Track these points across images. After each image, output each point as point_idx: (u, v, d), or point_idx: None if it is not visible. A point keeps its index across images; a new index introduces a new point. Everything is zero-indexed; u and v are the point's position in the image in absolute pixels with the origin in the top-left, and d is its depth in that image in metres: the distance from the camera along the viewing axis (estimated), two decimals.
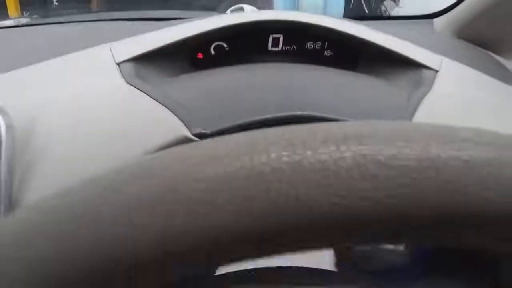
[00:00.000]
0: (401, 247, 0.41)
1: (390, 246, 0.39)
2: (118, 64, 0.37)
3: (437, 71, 0.41)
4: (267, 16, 0.43)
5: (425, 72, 0.41)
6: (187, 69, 0.42)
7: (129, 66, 0.36)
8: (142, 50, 0.38)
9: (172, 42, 0.39)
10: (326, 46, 0.45)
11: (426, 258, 0.39)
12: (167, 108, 0.33)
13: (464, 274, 0.36)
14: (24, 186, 0.31)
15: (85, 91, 0.35)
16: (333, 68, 0.42)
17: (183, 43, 0.41)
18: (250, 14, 0.45)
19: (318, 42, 0.44)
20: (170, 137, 0.32)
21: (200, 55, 0.45)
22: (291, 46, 0.45)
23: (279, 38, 0.45)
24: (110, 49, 0.38)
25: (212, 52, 0.45)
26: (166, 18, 0.61)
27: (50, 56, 0.40)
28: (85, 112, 0.33)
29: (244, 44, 0.44)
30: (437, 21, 0.60)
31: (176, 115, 0.32)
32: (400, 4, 3.40)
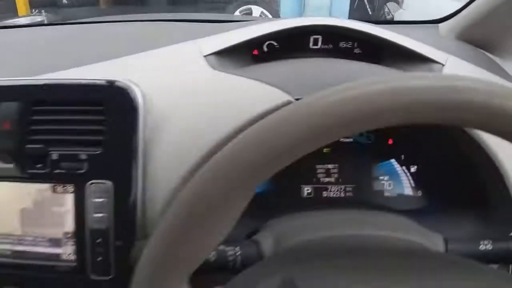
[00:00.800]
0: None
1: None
2: (205, 56, 0.48)
3: (443, 65, 0.53)
4: (310, 22, 0.54)
5: (433, 65, 0.53)
6: (248, 62, 0.54)
7: (213, 58, 0.48)
8: (221, 46, 0.49)
9: (242, 41, 0.50)
10: (355, 45, 0.56)
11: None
12: (263, 82, 0.44)
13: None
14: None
15: (184, 76, 0.46)
16: (362, 62, 0.54)
17: (248, 42, 0.52)
18: (295, 19, 0.56)
19: (350, 42, 0.56)
20: (275, 103, 0.42)
21: (255, 52, 0.56)
22: (327, 45, 0.56)
23: (318, 38, 0.56)
24: (197, 44, 0.50)
25: (265, 49, 0.56)
26: (210, 20, 0.73)
27: (133, 51, 0.52)
28: (189, 93, 0.44)
29: (290, 43, 0.56)
30: (442, 26, 0.71)
31: (273, 86, 0.43)
32: (404, 6, 3.52)
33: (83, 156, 0.41)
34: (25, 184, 0.42)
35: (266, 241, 0.40)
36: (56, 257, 0.42)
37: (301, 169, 0.52)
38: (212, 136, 0.41)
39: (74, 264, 0.41)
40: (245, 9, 3.80)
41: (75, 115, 0.41)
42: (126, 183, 0.40)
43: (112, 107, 0.41)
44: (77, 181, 0.41)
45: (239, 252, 0.38)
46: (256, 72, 0.47)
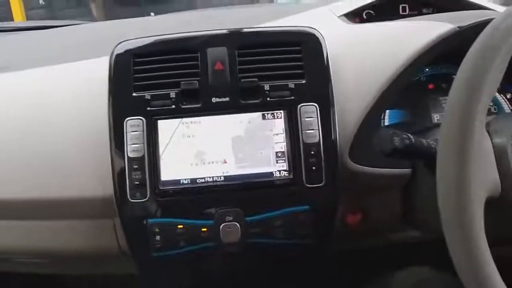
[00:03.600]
0: None
1: None
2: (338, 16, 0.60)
3: None
4: None
5: None
6: None
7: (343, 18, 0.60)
8: (349, 9, 0.61)
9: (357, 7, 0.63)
10: (435, 11, 0.70)
11: None
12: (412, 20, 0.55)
13: None
14: None
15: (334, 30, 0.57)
16: None
17: (355, 11, 0.65)
18: None
19: (430, 8, 0.70)
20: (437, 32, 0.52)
21: (358, 19, 0.69)
22: (413, 11, 0.70)
23: (405, 6, 0.70)
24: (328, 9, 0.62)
25: (364, 16, 0.69)
26: None
27: None
28: (349, 41, 0.55)
29: (384, 11, 0.69)
30: None
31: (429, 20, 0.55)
32: None
33: (291, 85, 0.49)
34: (236, 115, 0.49)
35: None
36: (270, 174, 0.49)
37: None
38: (388, 65, 0.51)
39: (290, 177, 0.49)
40: None
41: (278, 54, 0.50)
42: (326, 104, 0.50)
43: (307, 47, 0.51)
44: (289, 105, 0.49)
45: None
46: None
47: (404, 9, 0.71)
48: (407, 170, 0.53)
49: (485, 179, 0.37)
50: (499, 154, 0.41)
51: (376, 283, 0.78)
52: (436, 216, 0.38)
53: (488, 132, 0.42)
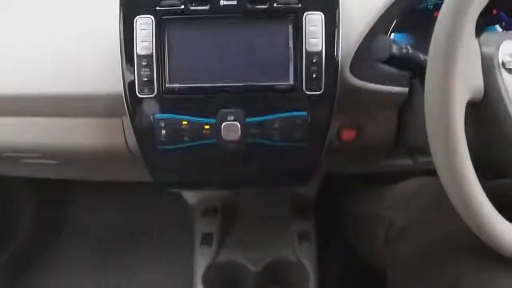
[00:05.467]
0: None
1: None
2: None
3: None
4: None
5: None
6: None
7: None
8: None
9: None
10: None
11: None
12: None
13: None
14: None
15: None
16: None
17: None
18: None
19: None
20: None
21: None
22: None
23: None
24: None
25: None
26: None
27: None
28: None
29: None
30: None
31: None
32: None
33: None
34: (243, 20, 0.50)
35: None
36: (272, 79, 0.51)
37: None
38: None
39: (290, 83, 0.51)
40: None
41: None
42: (332, 14, 0.50)
43: None
44: (295, 13, 0.50)
45: None
46: None
47: None
48: (404, 89, 0.55)
49: (469, 81, 0.40)
50: (486, 61, 0.43)
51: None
52: (427, 136, 0.41)
53: (478, 41, 0.43)
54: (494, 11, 0.65)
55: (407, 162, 0.82)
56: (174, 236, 1.03)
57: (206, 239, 0.79)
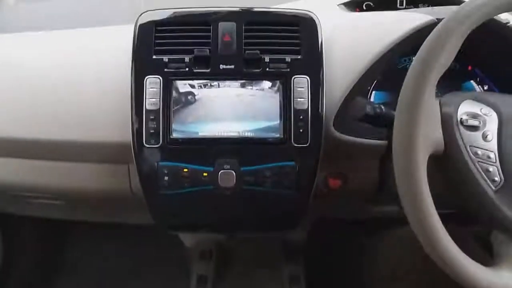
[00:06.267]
0: None
1: None
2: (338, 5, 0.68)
3: None
4: None
5: None
6: None
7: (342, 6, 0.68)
8: None
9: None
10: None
11: None
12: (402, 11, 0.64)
13: None
14: None
15: (333, 17, 0.65)
16: None
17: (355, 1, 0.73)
18: None
19: (426, 4, 0.77)
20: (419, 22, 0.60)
21: (357, 10, 0.76)
22: (410, 6, 0.77)
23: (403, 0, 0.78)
24: None
25: (364, 8, 0.77)
26: None
27: None
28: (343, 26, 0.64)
29: (382, 3, 0.76)
30: None
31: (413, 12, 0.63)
32: None
33: (288, 59, 0.58)
34: (239, 81, 0.58)
35: None
36: (264, 133, 0.58)
37: None
38: (372, 49, 0.59)
39: (280, 137, 0.58)
40: None
41: (279, 32, 0.59)
42: (316, 78, 0.58)
43: (304, 28, 0.59)
44: (285, 76, 0.57)
45: None
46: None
47: (401, 3, 0.78)
48: (383, 142, 0.61)
49: (431, 135, 0.46)
50: (446, 120, 0.50)
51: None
52: None
53: (439, 103, 0.50)
54: (469, 68, 0.73)
55: (394, 208, 0.87)
56: (171, 276, 1.06)
57: (202, 281, 0.83)
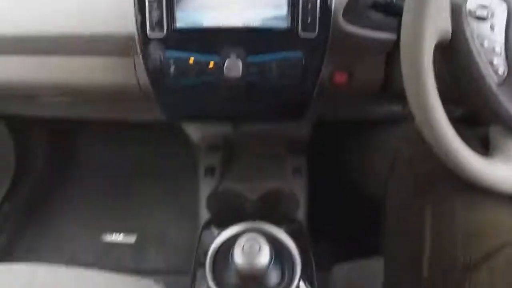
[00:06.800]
0: None
1: None
2: None
3: None
4: None
5: None
6: None
7: None
8: None
9: None
10: None
11: None
12: None
13: None
14: None
15: None
16: None
17: None
18: None
19: None
20: None
21: None
22: None
23: None
24: None
25: None
26: None
27: None
28: None
29: None
30: None
31: None
32: None
33: None
34: None
35: None
36: (271, 22, 0.56)
37: None
38: None
39: (288, 25, 0.56)
40: None
41: None
42: None
43: None
44: None
45: None
46: None
47: None
48: (391, 35, 0.60)
49: (438, 24, 0.46)
50: (455, 10, 0.48)
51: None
52: None
53: None
54: None
55: (395, 108, 0.88)
56: (179, 168, 1.13)
57: (210, 171, 0.88)
